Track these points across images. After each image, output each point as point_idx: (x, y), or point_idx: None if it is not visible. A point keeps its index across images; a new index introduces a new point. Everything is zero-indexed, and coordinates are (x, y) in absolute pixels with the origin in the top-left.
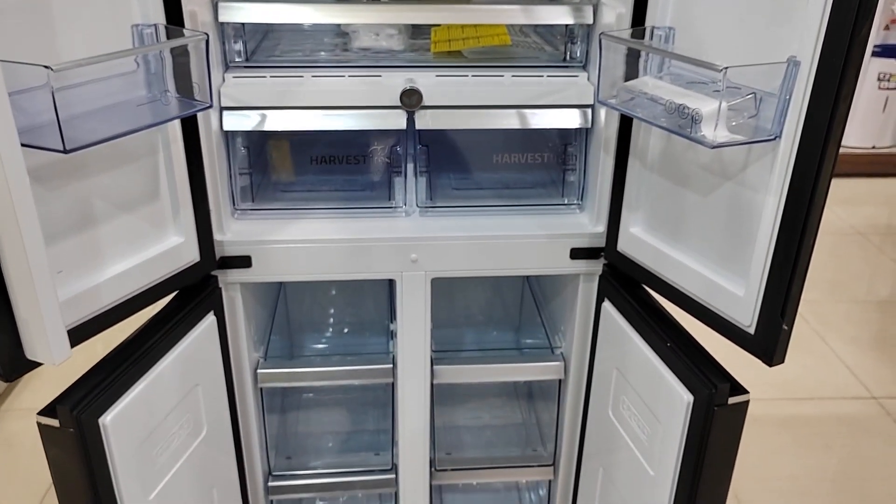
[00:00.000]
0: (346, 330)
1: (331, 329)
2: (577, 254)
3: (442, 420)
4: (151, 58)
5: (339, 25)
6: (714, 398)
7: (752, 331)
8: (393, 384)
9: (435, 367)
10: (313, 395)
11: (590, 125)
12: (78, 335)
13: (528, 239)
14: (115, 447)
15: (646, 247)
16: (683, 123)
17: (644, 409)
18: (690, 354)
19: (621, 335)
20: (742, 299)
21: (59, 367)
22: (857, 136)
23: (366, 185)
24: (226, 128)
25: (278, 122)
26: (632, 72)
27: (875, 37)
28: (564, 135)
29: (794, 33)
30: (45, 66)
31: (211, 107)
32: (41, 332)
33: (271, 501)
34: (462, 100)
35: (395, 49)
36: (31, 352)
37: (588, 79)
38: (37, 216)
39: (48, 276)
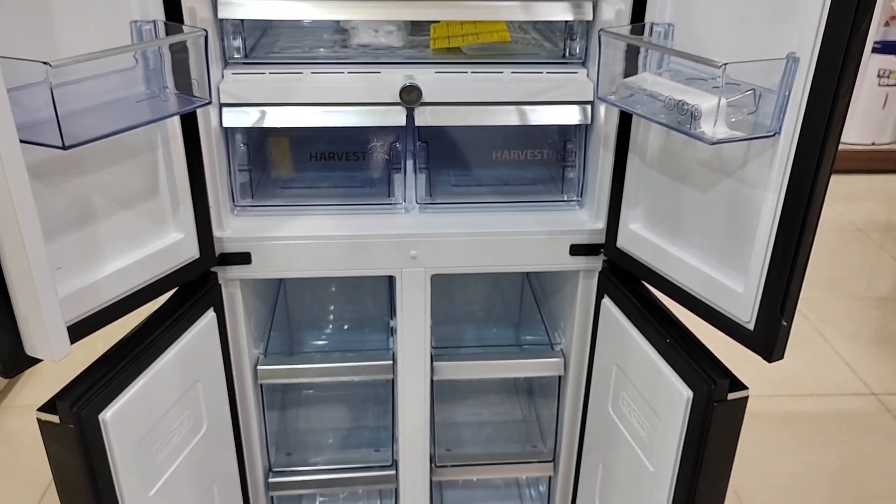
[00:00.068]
0: (345, 326)
1: (331, 325)
2: (576, 250)
3: (442, 416)
4: (150, 54)
5: (338, 22)
6: (713, 394)
7: (751, 327)
8: (393, 381)
9: (435, 363)
10: (313, 392)
11: (589, 122)
12: (78, 331)
13: (527, 235)
14: (115, 443)
15: (645, 243)
16: (683, 120)
17: (644, 405)
18: (690, 351)
19: (621, 331)
20: (741, 295)
21: (59, 363)
22: (857, 132)
23: (365, 182)
24: (225, 124)
25: (278, 118)
26: (631, 68)
27: (875, 33)
28: (564, 131)
29: (794, 29)
30: (44, 63)
31: (210, 103)
32: (41, 329)
33: (272, 498)
34: (461, 96)
35: (394, 45)
36: (31, 348)
37: (587, 75)
38: (36, 213)
39: (48, 273)
